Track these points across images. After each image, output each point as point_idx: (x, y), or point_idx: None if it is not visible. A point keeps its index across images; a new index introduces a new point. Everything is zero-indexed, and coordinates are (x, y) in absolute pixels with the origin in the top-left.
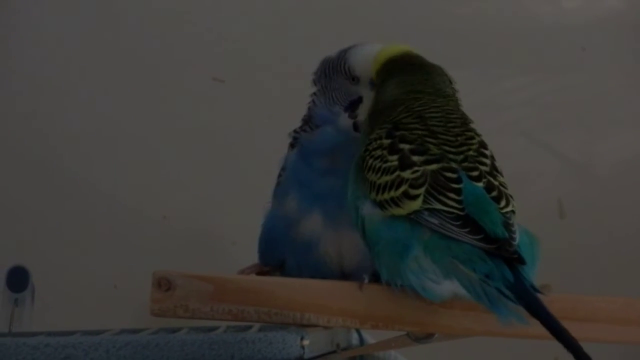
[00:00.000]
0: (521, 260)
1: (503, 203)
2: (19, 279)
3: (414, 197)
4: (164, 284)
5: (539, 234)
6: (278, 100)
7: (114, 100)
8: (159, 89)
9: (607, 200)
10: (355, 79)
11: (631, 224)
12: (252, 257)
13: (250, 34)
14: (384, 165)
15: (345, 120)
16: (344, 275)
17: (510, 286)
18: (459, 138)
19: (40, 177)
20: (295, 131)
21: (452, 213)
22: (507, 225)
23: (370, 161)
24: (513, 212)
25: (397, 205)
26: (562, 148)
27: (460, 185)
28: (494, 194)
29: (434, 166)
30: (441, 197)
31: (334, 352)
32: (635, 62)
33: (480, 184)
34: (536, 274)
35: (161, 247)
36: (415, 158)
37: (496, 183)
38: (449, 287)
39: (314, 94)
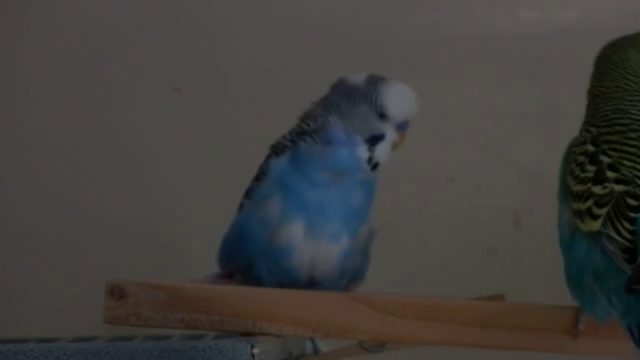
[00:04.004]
0: None
1: None
2: None
3: (596, 217)
4: (116, 292)
5: (495, 244)
6: (236, 110)
7: (69, 107)
8: (116, 96)
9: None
10: (383, 116)
11: None
12: (210, 266)
13: (209, 43)
14: (581, 175)
15: (363, 152)
16: (311, 283)
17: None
18: None
19: None
20: (285, 138)
21: (623, 244)
22: None
23: (573, 166)
24: None
25: (581, 220)
26: (517, 159)
27: (638, 215)
28: None
29: (621, 187)
30: (617, 224)
31: None
32: (591, 73)
33: None
34: None
35: (119, 255)
36: (609, 174)
37: None
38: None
39: (327, 111)
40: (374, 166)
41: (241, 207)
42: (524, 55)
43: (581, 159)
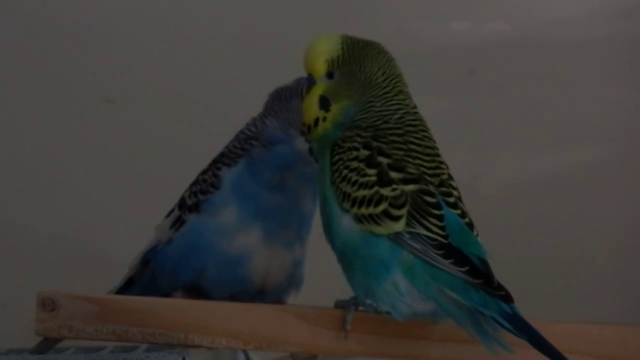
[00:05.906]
0: (509, 297)
1: (475, 232)
2: None
3: (396, 218)
4: (48, 304)
5: None
6: (167, 121)
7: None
8: (48, 108)
9: (491, 219)
10: None
11: (514, 244)
12: None
13: (139, 54)
14: (361, 179)
15: (301, 144)
16: (262, 292)
17: (508, 317)
18: (435, 159)
19: None
20: (235, 147)
21: (435, 240)
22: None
23: (345, 172)
24: None
25: (377, 223)
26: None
27: (442, 212)
28: (466, 220)
29: (412, 187)
30: (424, 222)
31: None
32: (523, 85)
33: (458, 211)
34: None
35: (51, 267)
36: (393, 175)
37: (466, 210)
38: (420, 309)
39: (264, 115)
40: None
41: (182, 222)
42: (457, 67)
43: (354, 164)
